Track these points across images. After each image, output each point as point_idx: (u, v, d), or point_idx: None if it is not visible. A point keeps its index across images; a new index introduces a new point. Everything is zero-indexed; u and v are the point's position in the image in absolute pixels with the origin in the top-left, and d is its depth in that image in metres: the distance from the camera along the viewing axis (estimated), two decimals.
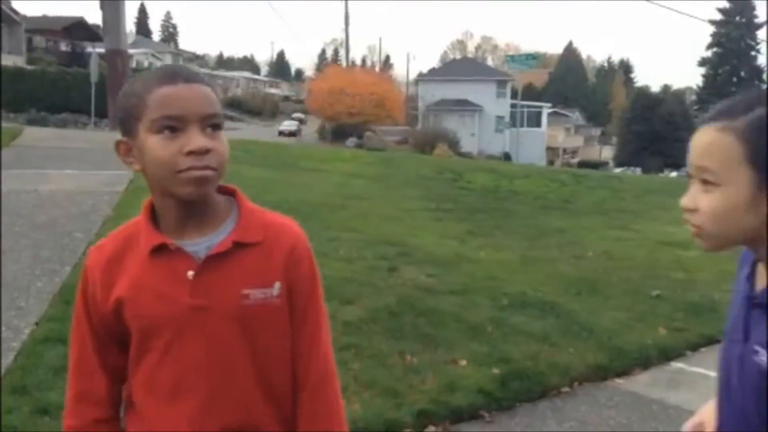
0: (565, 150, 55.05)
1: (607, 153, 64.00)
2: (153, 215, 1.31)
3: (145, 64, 49.61)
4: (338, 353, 4.17)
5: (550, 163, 46.60)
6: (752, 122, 1.10)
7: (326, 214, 8.73)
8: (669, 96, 65.43)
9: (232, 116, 56.74)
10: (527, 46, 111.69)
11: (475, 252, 7.57)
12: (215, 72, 79.92)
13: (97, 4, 19.29)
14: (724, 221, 1.13)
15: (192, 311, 1.25)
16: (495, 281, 6.16)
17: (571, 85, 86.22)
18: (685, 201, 1.17)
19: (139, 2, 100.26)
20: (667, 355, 4.77)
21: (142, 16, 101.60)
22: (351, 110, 41.08)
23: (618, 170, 41.99)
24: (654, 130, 54.89)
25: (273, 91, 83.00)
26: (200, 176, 1.20)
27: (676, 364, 4.69)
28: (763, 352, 1.13)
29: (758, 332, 1.15)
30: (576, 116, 67.02)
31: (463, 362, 4.23)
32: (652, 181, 21.22)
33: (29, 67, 33.44)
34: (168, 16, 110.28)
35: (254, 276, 1.28)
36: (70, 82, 26.04)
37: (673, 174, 42.05)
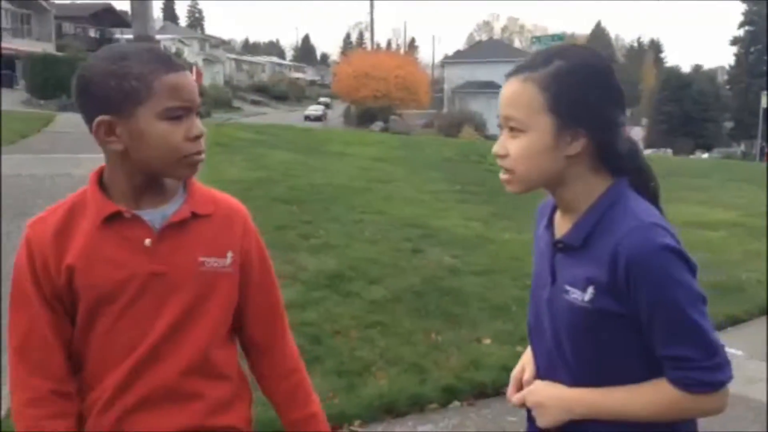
0: None
1: (637, 134, 63.11)
2: (101, 188, 1.32)
3: (173, 49, 49.97)
4: (364, 331, 4.32)
5: None
6: (551, 73, 1.22)
7: (351, 197, 8.82)
8: (700, 76, 64.11)
9: (258, 101, 57.04)
10: (555, 27, 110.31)
11: (499, 233, 7.61)
12: (241, 57, 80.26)
13: None
14: (531, 164, 1.24)
15: (150, 277, 1.28)
16: (518, 262, 6.20)
17: None
18: (496, 148, 1.28)
19: None
20: None
21: (169, 1, 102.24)
22: (376, 94, 41.08)
23: (648, 152, 41.37)
24: (685, 110, 53.97)
25: (298, 75, 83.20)
26: (200, 160, 1.28)
27: None
28: (572, 290, 1.24)
29: (564, 274, 1.27)
30: None
31: (487, 340, 4.30)
32: (681, 162, 20.95)
33: (59, 54, 33.91)
34: (194, 2, 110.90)
35: (209, 245, 1.34)
36: None
37: (705, 155, 41.38)
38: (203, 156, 1.29)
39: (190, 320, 1.31)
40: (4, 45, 37.27)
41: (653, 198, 1.29)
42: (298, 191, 8.67)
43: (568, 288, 1.25)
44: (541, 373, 1.36)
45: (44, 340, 1.29)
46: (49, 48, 37.98)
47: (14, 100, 28.79)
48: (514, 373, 1.46)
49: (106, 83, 1.22)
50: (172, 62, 1.25)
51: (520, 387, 1.42)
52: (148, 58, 1.24)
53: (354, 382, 3.65)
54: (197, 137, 1.26)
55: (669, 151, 47.17)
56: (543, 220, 1.39)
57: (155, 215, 1.30)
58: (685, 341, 1.17)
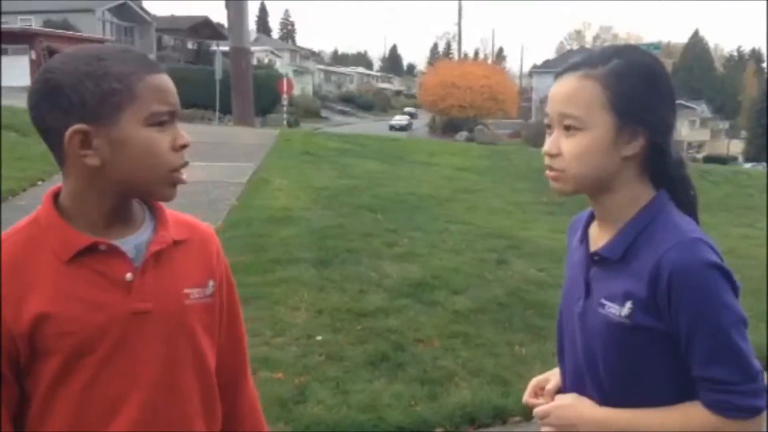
0: (689, 144, 52.31)
1: (736, 147, 60.20)
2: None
3: (265, 61, 51.54)
4: (446, 341, 4.33)
5: None
6: (612, 70, 1.19)
7: (435, 207, 8.83)
8: None
9: (345, 111, 58.01)
10: (650, 36, 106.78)
11: None
12: (330, 68, 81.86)
13: (222, 3, 20.29)
14: (587, 163, 1.19)
15: (133, 317, 1.11)
16: None
17: (697, 75, 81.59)
18: (548, 147, 1.22)
19: (260, 1, 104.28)
20: None
21: (263, 14, 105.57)
22: (462, 103, 40.96)
23: (748, 165, 39.37)
24: None
25: (385, 86, 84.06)
26: (182, 179, 1.14)
27: None
28: (609, 304, 1.19)
29: (601, 287, 1.22)
30: (702, 108, 63.42)
31: None
32: None
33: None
34: (287, 14, 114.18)
35: (191, 275, 1.20)
36: (196, 80, 27.37)
37: None
38: (185, 175, 1.14)
39: (183, 360, 1.17)
40: None
41: (691, 208, 1.26)
42: (383, 200, 8.75)
43: (604, 302, 1.21)
44: (567, 392, 1.32)
45: None
46: None
47: None
48: (537, 380, 1.43)
49: (81, 86, 1.05)
50: (152, 62, 1.12)
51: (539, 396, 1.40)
52: (127, 58, 1.09)
53: (436, 391, 3.66)
54: (183, 146, 1.12)
55: None
56: (576, 234, 1.35)
57: (128, 245, 1.13)
58: (724, 363, 1.12)
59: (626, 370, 1.21)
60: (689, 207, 1.26)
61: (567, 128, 1.20)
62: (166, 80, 1.11)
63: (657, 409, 1.19)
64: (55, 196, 1.14)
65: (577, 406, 1.27)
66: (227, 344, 1.30)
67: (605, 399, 1.23)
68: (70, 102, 1.05)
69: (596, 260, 1.25)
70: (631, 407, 1.21)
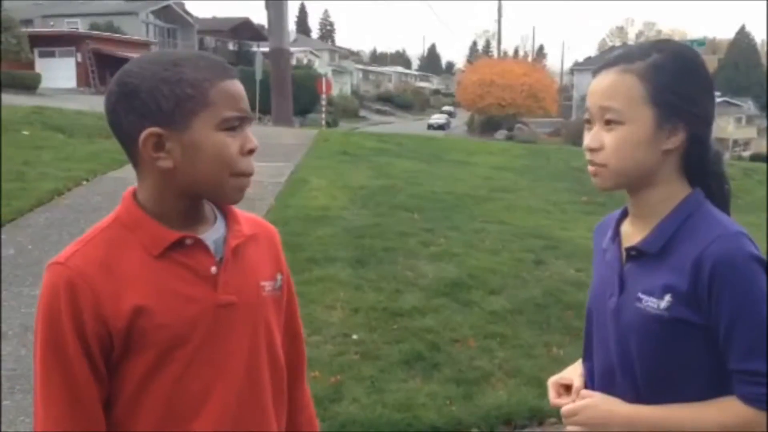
0: (735, 142, 51.00)
1: None
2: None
3: (304, 61, 51.93)
4: (483, 341, 4.31)
5: None
6: (651, 64, 1.20)
7: (472, 206, 8.78)
8: None
9: (383, 110, 58.14)
10: (695, 32, 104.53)
11: None
12: (368, 68, 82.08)
13: (262, 5, 20.51)
14: (628, 157, 1.19)
15: (219, 309, 1.15)
16: None
17: (744, 72, 79.47)
18: (589, 141, 1.22)
19: (300, 1, 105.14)
20: None
21: (302, 15, 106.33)
22: (501, 102, 40.64)
23: None
24: None
25: (423, 84, 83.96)
26: (248, 184, 1.16)
27: None
28: (646, 298, 1.18)
29: (637, 282, 1.21)
30: (748, 105, 61.76)
31: None
32: None
33: None
34: (326, 14, 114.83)
35: (264, 268, 1.24)
36: None
37: None
38: (250, 181, 1.16)
39: (261, 352, 1.20)
40: None
41: (725, 204, 1.26)
42: (419, 199, 8.74)
43: (641, 296, 1.20)
44: (597, 390, 1.31)
45: (90, 404, 1.10)
46: None
47: None
48: (555, 379, 1.40)
49: (157, 91, 1.08)
50: (226, 69, 1.13)
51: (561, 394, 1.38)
52: (202, 64, 1.11)
53: (472, 391, 3.64)
54: (251, 151, 1.14)
55: None
56: (607, 234, 1.35)
57: (208, 241, 1.17)
58: (764, 356, 1.12)
59: (662, 365, 1.20)
60: (723, 202, 1.26)
61: (607, 122, 1.21)
62: (238, 87, 1.14)
63: (691, 404, 1.18)
64: (134, 197, 1.17)
65: (606, 404, 1.26)
66: (287, 339, 1.32)
67: (638, 396, 1.23)
68: (146, 106, 1.08)
69: (632, 255, 1.25)
70: (664, 404, 1.20)
